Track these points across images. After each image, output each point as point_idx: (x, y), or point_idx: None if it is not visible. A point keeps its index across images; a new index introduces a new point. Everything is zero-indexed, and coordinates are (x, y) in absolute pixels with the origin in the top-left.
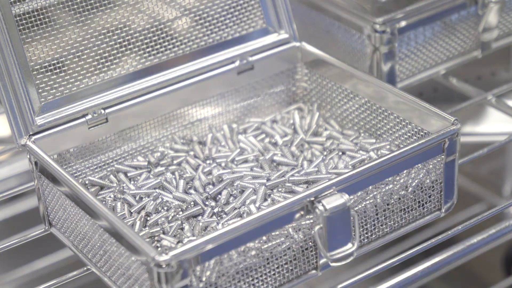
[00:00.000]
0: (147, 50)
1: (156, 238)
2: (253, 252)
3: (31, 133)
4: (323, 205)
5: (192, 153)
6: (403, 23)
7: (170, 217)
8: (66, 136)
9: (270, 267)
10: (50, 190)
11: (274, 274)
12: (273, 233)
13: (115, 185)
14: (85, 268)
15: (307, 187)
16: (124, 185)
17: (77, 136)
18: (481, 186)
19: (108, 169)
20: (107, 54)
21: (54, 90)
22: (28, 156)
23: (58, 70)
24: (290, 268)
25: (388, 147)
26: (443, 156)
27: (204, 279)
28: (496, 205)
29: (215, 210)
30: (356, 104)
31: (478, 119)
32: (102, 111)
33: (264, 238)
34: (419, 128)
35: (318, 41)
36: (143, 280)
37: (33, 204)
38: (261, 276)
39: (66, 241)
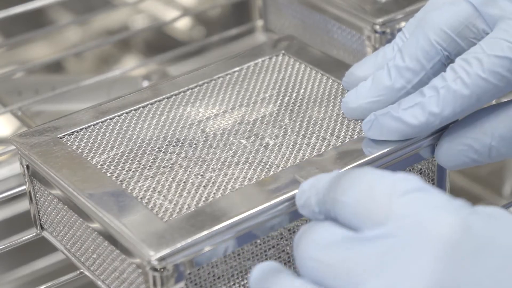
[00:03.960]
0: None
1: None
2: (247, 254)
3: None
4: None
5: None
6: (403, 24)
7: None
8: None
9: None
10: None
11: None
12: (266, 235)
13: None
14: (78, 272)
15: None
16: None
17: None
18: (481, 186)
19: None
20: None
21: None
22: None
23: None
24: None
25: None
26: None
27: (199, 282)
28: (496, 205)
29: None
30: None
31: None
32: None
33: (258, 240)
34: None
35: (318, 41)
36: (138, 284)
37: None
38: None
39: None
